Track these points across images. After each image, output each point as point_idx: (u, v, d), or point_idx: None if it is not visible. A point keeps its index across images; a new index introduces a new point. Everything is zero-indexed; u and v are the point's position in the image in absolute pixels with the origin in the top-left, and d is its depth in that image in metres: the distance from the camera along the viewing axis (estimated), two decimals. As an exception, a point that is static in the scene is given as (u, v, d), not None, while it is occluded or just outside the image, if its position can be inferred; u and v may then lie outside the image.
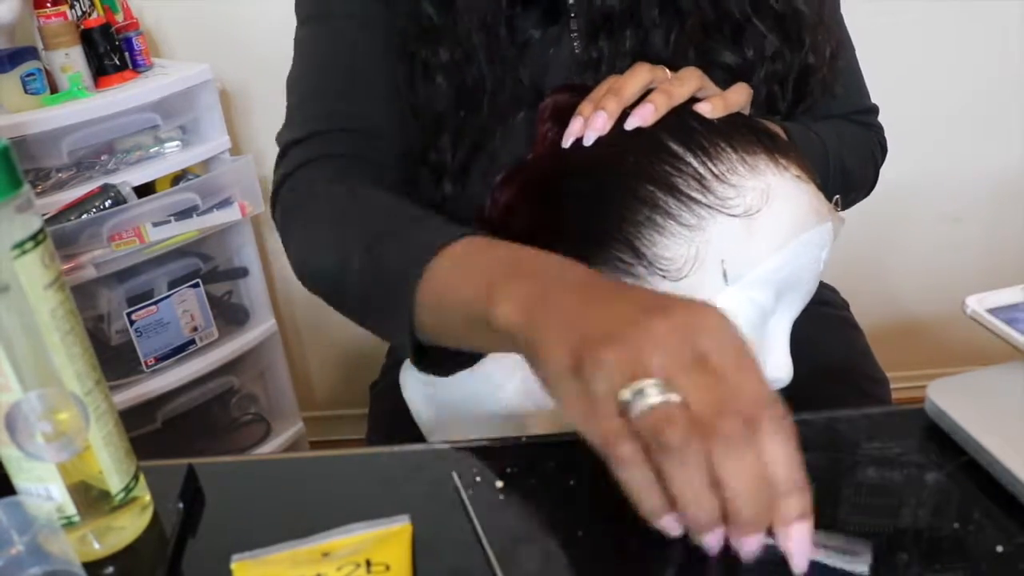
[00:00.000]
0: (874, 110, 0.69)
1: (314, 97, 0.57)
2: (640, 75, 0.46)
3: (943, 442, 0.39)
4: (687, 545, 0.33)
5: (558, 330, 0.31)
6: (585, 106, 0.46)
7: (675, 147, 0.44)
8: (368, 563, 0.35)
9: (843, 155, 0.60)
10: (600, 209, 0.44)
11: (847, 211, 0.72)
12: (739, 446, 0.27)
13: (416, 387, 0.50)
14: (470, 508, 0.38)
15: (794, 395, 0.56)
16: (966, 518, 0.35)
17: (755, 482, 0.27)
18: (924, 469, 0.38)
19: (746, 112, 0.49)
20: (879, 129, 0.69)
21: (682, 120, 0.45)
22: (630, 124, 0.45)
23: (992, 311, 0.39)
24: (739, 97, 0.47)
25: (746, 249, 0.43)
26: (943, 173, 1.29)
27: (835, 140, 0.60)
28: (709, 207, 0.43)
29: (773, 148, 0.45)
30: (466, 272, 0.37)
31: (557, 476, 0.40)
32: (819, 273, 0.46)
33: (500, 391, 0.48)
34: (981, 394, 0.39)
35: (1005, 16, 1.18)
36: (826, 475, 0.39)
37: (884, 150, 0.69)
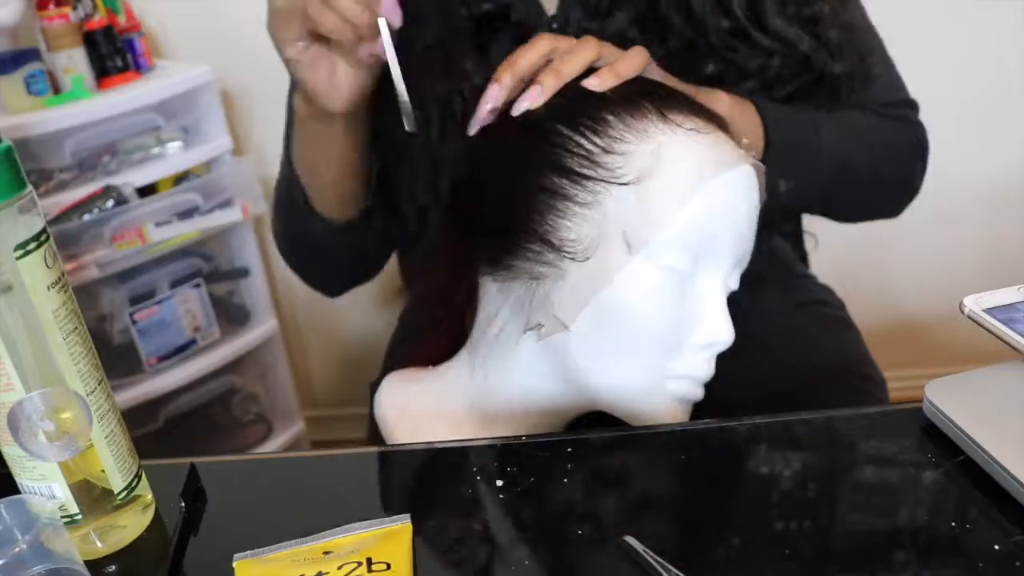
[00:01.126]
0: (911, 104, 0.65)
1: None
2: (585, 53, 0.46)
3: (940, 441, 0.39)
4: (687, 548, 0.34)
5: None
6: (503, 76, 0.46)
7: (561, 128, 0.44)
8: (369, 561, 0.35)
9: (848, 147, 0.58)
10: (505, 205, 0.45)
11: (869, 220, 0.68)
12: None
13: (387, 405, 0.51)
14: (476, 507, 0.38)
15: (791, 394, 0.57)
16: (963, 517, 0.35)
17: None
18: (921, 468, 0.38)
19: (653, 75, 0.47)
20: (914, 124, 0.64)
21: (567, 99, 0.45)
22: (518, 109, 0.45)
23: (989, 311, 0.39)
24: (629, 66, 0.45)
25: (645, 215, 0.42)
26: (941, 173, 1.29)
27: (837, 130, 0.57)
28: (601, 181, 0.42)
29: (663, 107, 0.44)
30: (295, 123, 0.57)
31: (557, 476, 0.40)
32: (746, 225, 0.45)
33: (465, 392, 0.49)
34: (978, 393, 0.40)
35: (1004, 17, 1.18)
36: (824, 474, 0.40)
37: (922, 146, 0.64)
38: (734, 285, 0.47)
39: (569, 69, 0.45)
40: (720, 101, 0.51)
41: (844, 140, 0.58)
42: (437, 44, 0.54)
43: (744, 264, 0.47)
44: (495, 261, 0.45)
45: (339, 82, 0.49)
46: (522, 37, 0.55)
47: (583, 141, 0.43)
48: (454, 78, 0.54)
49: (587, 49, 0.45)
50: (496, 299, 0.46)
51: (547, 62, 0.46)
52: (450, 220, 0.49)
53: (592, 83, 0.44)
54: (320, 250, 0.62)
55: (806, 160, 0.55)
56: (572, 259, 0.43)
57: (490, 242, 0.45)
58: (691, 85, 0.51)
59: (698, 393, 0.46)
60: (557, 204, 0.43)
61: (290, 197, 0.59)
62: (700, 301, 0.44)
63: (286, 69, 0.51)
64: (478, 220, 0.46)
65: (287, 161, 0.58)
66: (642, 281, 0.42)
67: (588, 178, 0.43)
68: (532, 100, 0.44)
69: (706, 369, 0.45)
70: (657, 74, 0.48)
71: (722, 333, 0.44)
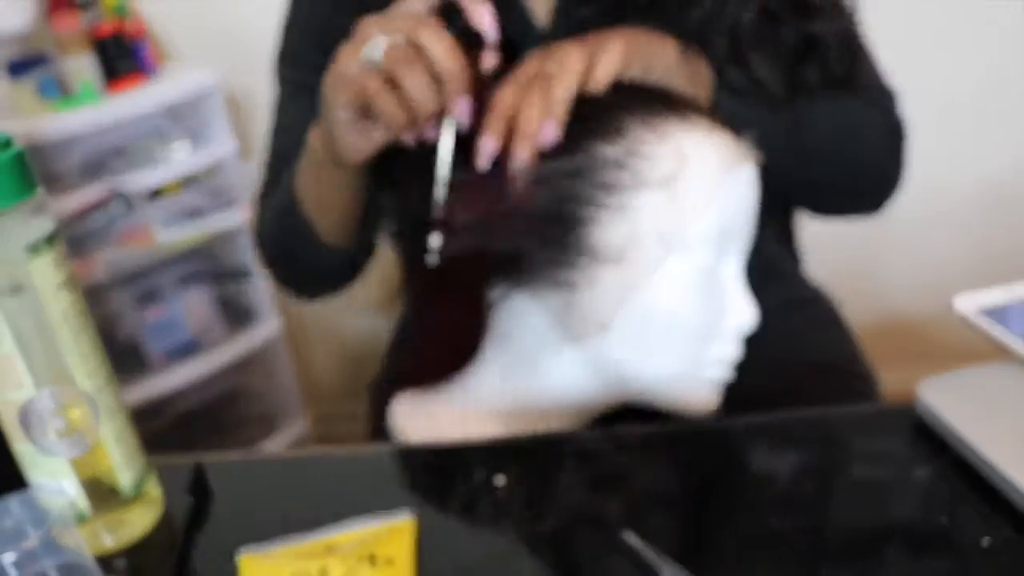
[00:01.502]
0: (887, 93, 0.62)
1: (273, 162, 0.65)
2: (521, 79, 0.44)
3: (932, 440, 0.40)
4: (684, 544, 0.34)
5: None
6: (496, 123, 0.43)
7: (584, 141, 0.43)
8: (372, 557, 0.36)
9: (808, 113, 0.55)
10: (537, 220, 0.44)
11: (855, 213, 0.68)
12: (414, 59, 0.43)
13: (409, 429, 0.50)
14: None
15: (784, 393, 0.57)
16: (954, 514, 0.36)
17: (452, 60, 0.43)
18: (913, 466, 0.39)
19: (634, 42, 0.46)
20: (892, 114, 0.62)
21: (578, 110, 0.44)
22: (519, 161, 0.43)
23: (981, 311, 0.39)
24: (610, 64, 0.44)
25: (676, 215, 0.43)
26: (934, 174, 1.29)
27: (806, 113, 0.55)
28: (630, 186, 0.43)
29: (677, 105, 0.45)
30: (304, 156, 0.55)
31: (557, 476, 0.40)
32: (753, 215, 0.47)
33: (497, 401, 0.49)
34: (970, 392, 0.40)
35: (1001, 17, 1.18)
36: (817, 472, 0.40)
37: (898, 135, 0.61)
38: (740, 272, 0.48)
39: (558, 103, 0.42)
40: (669, 46, 0.49)
41: (804, 106, 0.55)
42: None
43: (746, 255, 0.48)
44: (527, 273, 0.45)
45: (371, 144, 0.47)
46: (512, 57, 0.55)
47: (607, 150, 0.43)
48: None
49: (573, 70, 0.43)
50: (529, 309, 0.46)
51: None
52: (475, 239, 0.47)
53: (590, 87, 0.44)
54: (312, 267, 0.62)
55: (761, 114, 0.53)
56: (606, 263, 0.44)
57: (523, 255, 0.44)
58: (642, 34, 0.48)
59: (731, 375, 0.48)
60: (588, 213, 0.43)
61: (290, 221, 0.58)
62: (725, 290, 0.46)
63: (324, 114, 0.48)
64: (508, 238, 0.45)
65: (291, 194, 0.57)
66: (677, 277, 0.44)
67: (618, 185, 0.43)
68: (523, 157, 0.42)
69: (736, 352, 0.47)
70: (639, 37, 0.47)
71: (746, 315, 0.46)
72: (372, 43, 0.43)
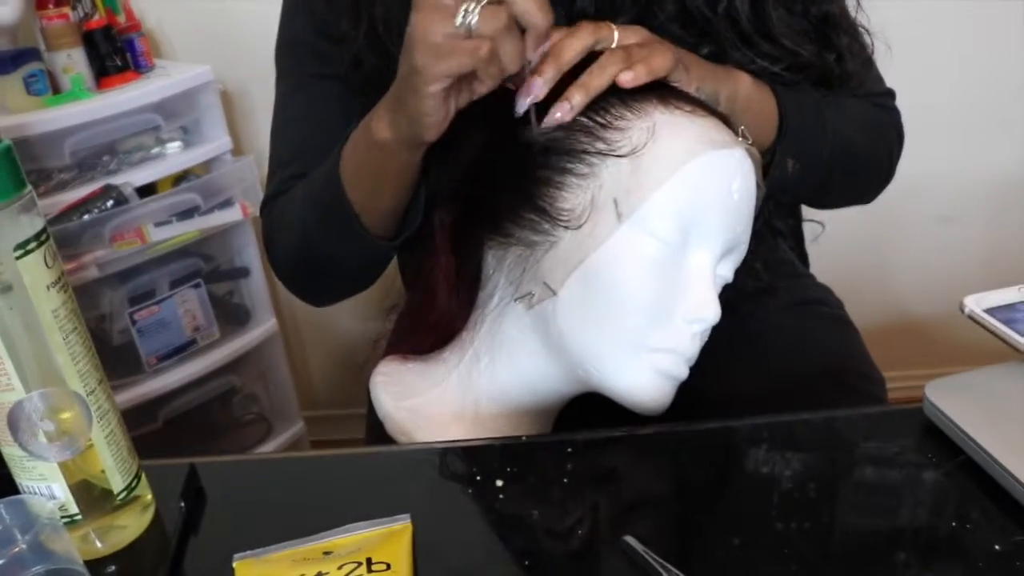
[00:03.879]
0: (890, 94, 0.67)
1: (287, 157, 0.64)
2: (582, 38, 0.46)
3: (940, 442, 0.39)
4: (686, 548, 0.34)
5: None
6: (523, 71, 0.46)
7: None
8: (369, 562, 0.35)
9: (845, 129, 0.58)
10: (507, 177, 0.47)
11: (847, 207, 0.70)
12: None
13: (387, 399, 0.51)
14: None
15: (790, 394, 0.57)
16: (963, 517, 0.35)
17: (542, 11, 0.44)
18: (922, 468, 0.39)
19: (682, 78, 0.48)
20: (895, 112, 0.67)
21: (571, 81, 0.46)
22: (548, 122, 0.45)
23: (990, 311, 0.39)
24: (663, 64, 0.46)
25: (636, 184, 0.44)
26: (941, 173, 1.30)
27: (836, 112, 0.58)
28: (599, 153, 0.44)
29: (666, 94, 0.46)
30: (353, 145, 0.53)
31: (557, 476, 0.40)
32: (738, 208, 0.46)
33: (468, 393, 0.49)
34: (979, 394, 0.40)
35: (1005, 16, 1.18)
36: (824, 474, 0.40)
37: (900, 135, 0.66)
38: (727, 275, 0.47)
39: (599, 83, 0.45)
40: (741, 81, 0.52)
41: (843, 123, 0.59)
42: None
43: (739, 253, 0.47)
44: (495, 228, 0.47)
45: (449, 114, 0.47)
46: None
47: (586, 121, 0.45)
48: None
49: (617, 60, 0.46)
50: (491, 270, 0.48)
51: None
52: (459, 192, 0.49)
53: (625, 79, 0.45)
54: (346, 265, 0.60)
55: (812, 141, 0.56)
56: (566, 227, 0.44)
57: (496, 219, 0.47)
58: (715, 64, 0.51)
59: (681, 371, 0.46)
60: (556, 178, 0.45)
61: (333, 220, 0.56)
62: (689, 276, 0.45)
63: (402, 96, 0.46)
64: (482, 189, 0.48)
65: (334, 186, 0.54)
66: (628, 248, 0.44)
67: (587, 152, 0.45)
68: (564, 114, 0.45)
69: (690, 345, 0.46)
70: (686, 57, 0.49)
71: (708, 309, 0.45)
72: (464, 9, 0.42)
